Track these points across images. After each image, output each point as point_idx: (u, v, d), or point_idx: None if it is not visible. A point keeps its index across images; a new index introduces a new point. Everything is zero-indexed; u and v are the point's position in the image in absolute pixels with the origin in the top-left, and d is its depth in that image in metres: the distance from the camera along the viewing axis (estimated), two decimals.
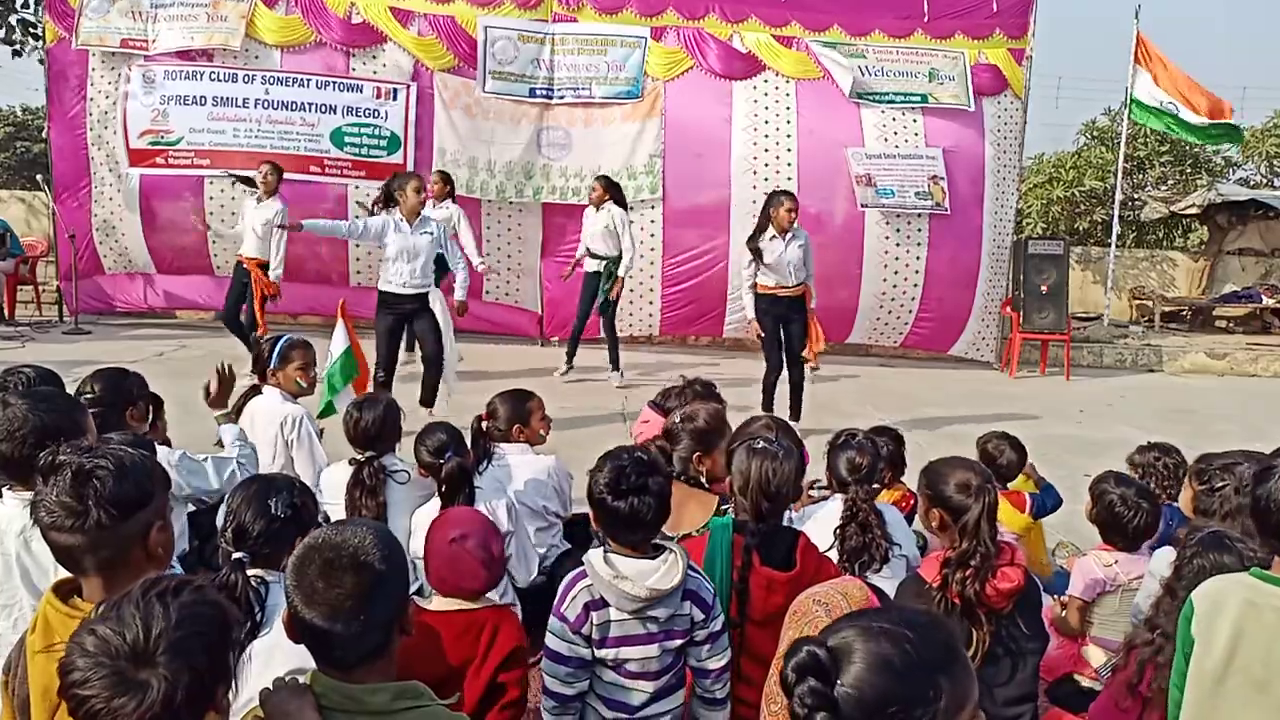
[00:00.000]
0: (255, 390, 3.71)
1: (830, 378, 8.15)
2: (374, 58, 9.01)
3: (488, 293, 9.28)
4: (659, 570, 2.08)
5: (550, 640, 2.14)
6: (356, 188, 8.60)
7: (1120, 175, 11.91)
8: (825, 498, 3.08)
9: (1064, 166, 17.04)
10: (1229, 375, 10.40)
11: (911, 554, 2.96)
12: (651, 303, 9.34)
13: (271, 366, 3.70)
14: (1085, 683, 2.95)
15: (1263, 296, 13.38)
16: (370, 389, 4.72)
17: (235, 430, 3.19)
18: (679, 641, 2.15)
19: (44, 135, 10.00)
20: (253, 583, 2.04)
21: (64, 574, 1.67)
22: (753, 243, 6.33)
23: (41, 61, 11.23)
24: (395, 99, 8.93)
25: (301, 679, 1.48)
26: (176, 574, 1.51)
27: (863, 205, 8.99)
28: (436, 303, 5.79)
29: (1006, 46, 9.56)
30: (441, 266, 6.02)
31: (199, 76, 8.89)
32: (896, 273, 9.24)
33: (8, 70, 16.36)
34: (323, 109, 8.88)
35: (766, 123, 9.11)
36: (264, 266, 6.93)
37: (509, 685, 2.23)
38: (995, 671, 2.27)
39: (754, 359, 7.89)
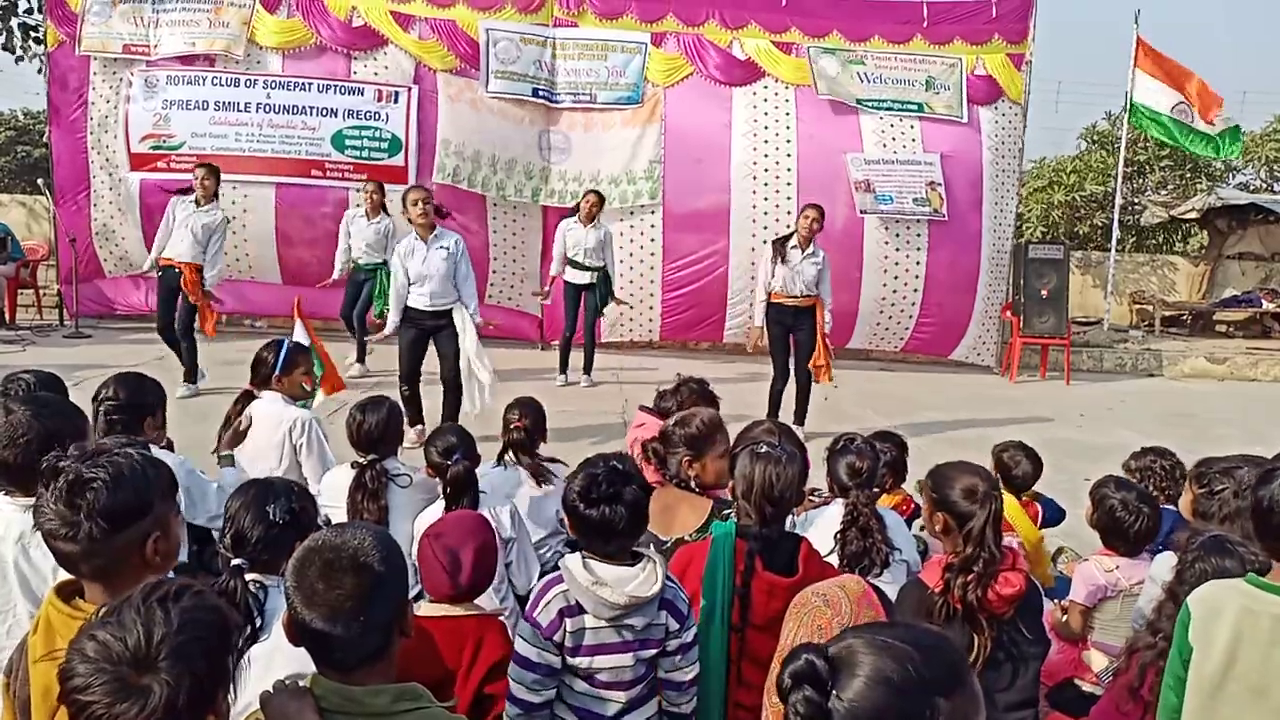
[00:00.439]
0: (250, 396, 3.67)
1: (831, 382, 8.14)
2: (375, 60, 9.04)
3: (489, 296, 9.28)
4: (638, 578, 2.05)
5: (519, 645, 2.10)
6: (357, 190, 8.61)
7: (1120, 180, 11.94)
8: (825, 502, 3.08)
9: (1064, 171, 17.08)
10: (1229, 379, 10.41)
11: (912, 559, 2.96)
12: (652, 308, 9.35)
13: (278, 372, 3.68)
14: (1086, 687, 2.94)
15: (1263, 301, 13.39)
16: (335, 387, 4.72)
17: (235, 474, 3.19)
18: (653, 651, 2.12)
19: (45, 140, 10.02)
20: (251, 588, 2.03)
21: (65, 577, 1.67)
22: (780, 242, 6.37)
23: (40, 71, 11.27)
24: (396, 102, 8.95)
25: (302, 682, 1.48)
26: (177, 579, 1.51)
27: (861, 212, 9.01)
28: (460, 319, 5.57)
29: (1006, 51, 9.60)
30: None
31: (201, 81, 8.91)
32: (896, 277, 9.25)
33: (8, 74, 16.37)
34: (323, 112, 8.89)
35: (766, 128, 9.14)
36: (198, 270, 6.62)
37: (498, 696, 2.18)
38: (996, 676, 2.27)
39: (754, 362, 7.90)
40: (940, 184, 9.15)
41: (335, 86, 8.94)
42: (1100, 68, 34.08)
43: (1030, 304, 9.69)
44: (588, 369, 7.90)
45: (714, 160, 9.09)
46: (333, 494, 3.21)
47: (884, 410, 7.42)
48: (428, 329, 5.61)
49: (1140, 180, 17.04)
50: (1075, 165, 17.13)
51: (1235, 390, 9.83)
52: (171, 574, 1.79)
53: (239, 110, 8.84)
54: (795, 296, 6.32)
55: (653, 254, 9.19)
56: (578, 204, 7.80)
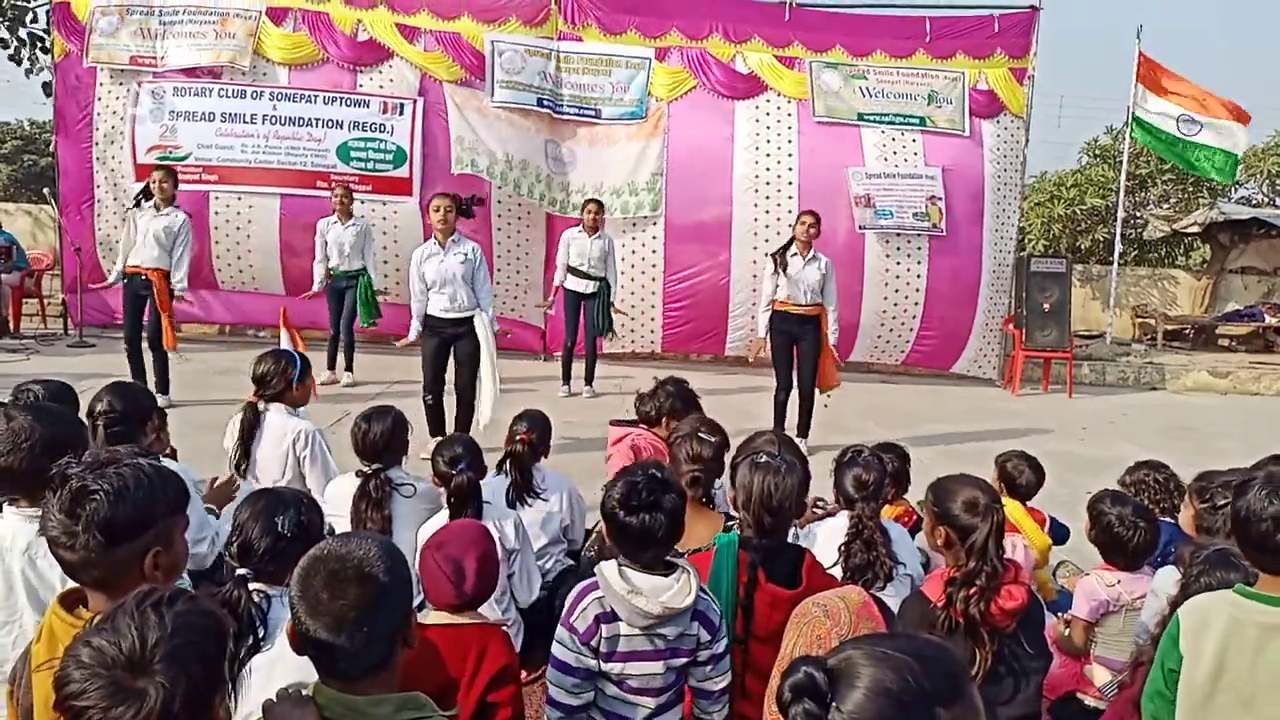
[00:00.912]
0: (254, 407, 3.65)
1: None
2: (380, 73, 9.09)
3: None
4: (673, 588, 2.07)
5: (557, 650, 2.13)
6: (362, 202, 8.65)
7: (1122, 193, 11.95)
8: (831, 513, 3.08)
9: (1066, 184, 17.09)
10: (1231, 393, 10.39)
11: (916, 571, 2.95)
12: (653, 319, 9.36)
13: (294, 384, 3.68)
14: (1089, 701, 2.93)
15: (1265, 315, 13.40)
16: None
17: (217, 525, 3.17)
18: (684, 660, 2.14)
19: (51, 149, 10.07)
20: (255, 597, 2.03)
21: (72, 585, 1.67)
22: (779, 253, 6.37)
23: (46, 85, 11.32)
24: (401, 114, 9.00)
25: (304, 691, 1.48)
26: (171, 585, 1.51)
27: (860, 228, 9.03)
28: (481, 327, 5.56)
29: (1008, 66, 9.63)
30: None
31: (207, 93, 8.97)
32: (897, 290, 9.26)
33: (15, 84, 16.45)
34: (329, 124, 8.94)
35: (768, 142, 9.18)
36: (166, 276, 6.51)
37: (500, 705, 2.19)
38: (998, 690, 2.26)
39: (755, 374, 7.90)
40: (941, 198, 9.18)
41: (341, 98, 8.99)
42: (1103, 81, 34.15)
43: (1032, 317, 9.70)
44: (589, 379, 7.91)
45: (716, 173, 9.11)
46: (337, 503, 3.21)
47: (886, 423, 7.41)
48: (448, 337, 5.60)
49: (1142, 194, 17.06)
50: (1077, 179, 17.15)
51: (1237, 404, 9.82)
52: (187, 578, 1.78)
53: (245, 121, 8.89)
54: (801, 305, 6.31)
55: (654, 265, 9.21)
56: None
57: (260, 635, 2.00)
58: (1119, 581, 2.96)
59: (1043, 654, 2.36)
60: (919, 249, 9.22)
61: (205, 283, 9.28)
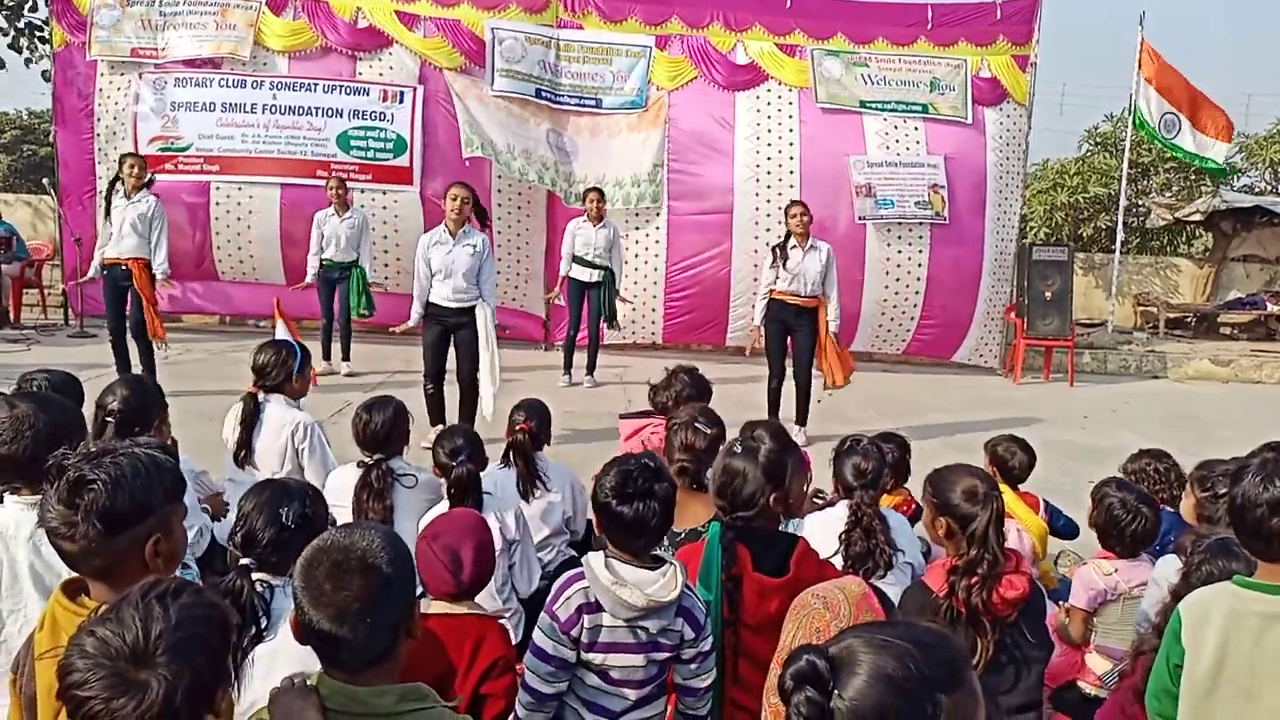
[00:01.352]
0: (254, 398, 3.65)
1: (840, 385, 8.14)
2: (380, 60, 9.06)
3: None
4: (658, 581, 2.07)
5: (537, 636, 2.12)
6: (362, 191, 8.63)
7: (1124, 181, 11.92)
8: (831, 503, 3.08)
9: (1068, 172, 17.04)
10: (1233, 382, 10.39)
11: (916, 560, 2.96)
12: (654, 310, 9.35)
13: (296, 374, 3.68)
14: (1089, 690, 2.94)
15: (1267, 303, 13.37)
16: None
17: (205, 518, 3.17)
18: (665, 655, 2.13)
19: (50, 139, 10.05)
20: (258, 588, 2.04)
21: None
22: (779, 246, 6.36)
23: (45, 75, 11.29)
24: (401, 102, 8.97)
25: (307, 681, 1.48)
26: (176, 576, 1.51)
27: (860, 218, 9.01)
28: (482, 318, 5.58)
29: (1011, 53, 9.59)
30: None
31: (208, 83, 8.95)
32: (898, 279, 9.24)
33: (14, 73, 16.39)
34: (329, 113, 8.91)
35: (769, 131, 9.14)
36: (147, 266, 6.47)
37: (494, 696, 2.20)
38: (999, 679, 2.27)
39: (757, 364, 7.89)
40: (943, 186, 9.15)
41: (340, 87, 8.96)
42: (1105, 69, 34.02)
43: (1034, 306, 9.69)
44: (591, 369, 7.91)
45: (718, 163, 9.09)
46: (338, 493, 3.20)
47: (887, 412, 7.42)
48: (449, 326, 5.62)
49: (1144, 182, 17.01)
50: (1079, 167, 17.10)
51: (1239, 392, 9.81)
52: (194, 568, 1.77)
53: (245, 111, 8.87)
54: (799, 295, 6.29)
55: (656, 255, 9.19)
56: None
57: (264, 625, 2.01)
58: (1116, 570, 2.96)
59: (1044, 643, 2.37)
60: (920, 237, 9.20)
61: (206, 274, 9.29)
